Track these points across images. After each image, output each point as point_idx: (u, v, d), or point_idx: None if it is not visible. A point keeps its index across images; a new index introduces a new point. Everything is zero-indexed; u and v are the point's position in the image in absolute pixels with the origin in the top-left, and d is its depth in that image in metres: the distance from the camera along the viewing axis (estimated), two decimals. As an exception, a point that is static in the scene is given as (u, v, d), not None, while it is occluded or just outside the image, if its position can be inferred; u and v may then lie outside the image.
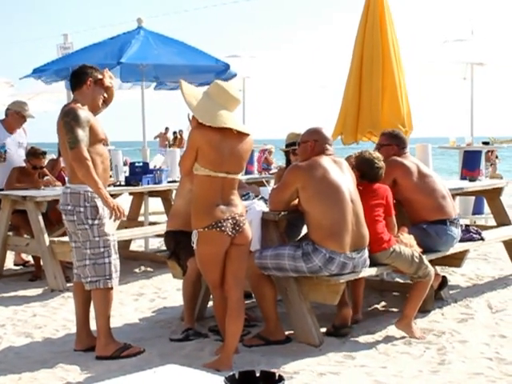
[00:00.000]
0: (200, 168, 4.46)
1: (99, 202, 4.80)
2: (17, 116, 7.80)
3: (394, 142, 5.99)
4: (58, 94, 13.65)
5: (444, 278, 6.15)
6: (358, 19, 7.71)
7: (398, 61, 7.59)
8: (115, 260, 4.93)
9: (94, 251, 4.83)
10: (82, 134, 4.72)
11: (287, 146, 6.19)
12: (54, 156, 8.84)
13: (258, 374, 2.00)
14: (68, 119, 4.74)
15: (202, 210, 4.48)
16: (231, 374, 1.96)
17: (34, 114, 8.12)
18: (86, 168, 4.67)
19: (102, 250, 4.84)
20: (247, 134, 4.56)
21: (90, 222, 4.80)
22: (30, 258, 8.19)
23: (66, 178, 7.11)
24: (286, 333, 5.12)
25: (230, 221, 4.47)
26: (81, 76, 4.96)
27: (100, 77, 5.00)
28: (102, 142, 4.93)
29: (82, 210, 4.80)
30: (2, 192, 7.33)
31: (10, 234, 7.58)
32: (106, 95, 5.09)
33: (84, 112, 4.81)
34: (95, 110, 5.03)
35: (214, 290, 4.74)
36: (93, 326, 5.09)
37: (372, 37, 7.51)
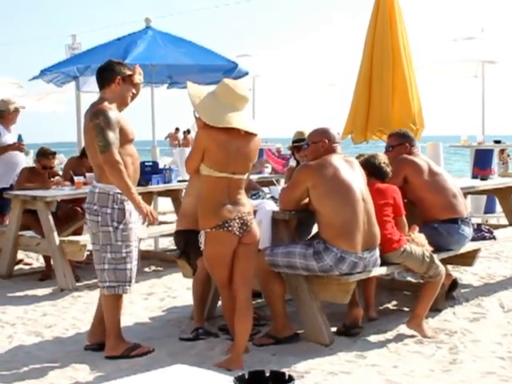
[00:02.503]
0: (206, 168, 4.44)
1: (128, 206, 4.70)
2: (14, 113, 7.94)
3: (405, 141, 5.97)
4: (67, 94, 13.69)
5: (455, 280, 6.11)
6: (368, 17, 7.67)
7: (408, 58, 7.55)
8: (135, 266, 4.87)
9: (115, 256, 4.74)
10: (113, 137, 4.61)
11: (292, 143, 6.19)
12: (64, 156, 8.86)
13: (267, 374, 1.98)
14: (98, 121, 4.61)
15: (208, 210, 4.46)
16: (241, 373, 1.94)
17: (43, 114, 8.25)
18: (119, 172, 4.58)
19: (123, 255, 4.75)
20: (255, 134, 4.53)
21: (115, 224, 4.70)
22: (22, 257, 8.19)
23: (88, 175, 7.14)
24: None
25: (237, 220, 4.44)
26: (109, 74, 4.82)
27: (129, 73, 4.88)
28: (131, 142, 4.84)
29: (109, 211, 4.69)
30: (12, 192, 7.35)
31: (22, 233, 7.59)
32: (134, 91, 4.97)
33: (114, 113, 4.69)
34: (123, 107, 4.92)
35: (222, 290, 4.72)
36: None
37: (382, 34, 7.47)
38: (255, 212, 5.10)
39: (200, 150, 4.44)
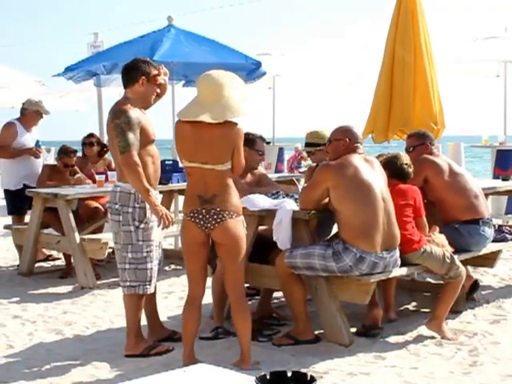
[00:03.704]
0: (182, 159, 4.54)
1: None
2: (35, 114, 7.97)
3: (426, 141, 5.94)
4: (88, 92, 13.77)
5: (476, 281, 6.07)
6: (390, 16, 7.63)
7: (429, 58, 7.50)
8: (156, 266, 4.88)
9: (135, 255, 4.75)
10: (133, 138, 4.61)
11: (306, 145, 6.18)
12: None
13: (289, 375, 1.98)
14: (119, 121, 4.61)
15: (186, 199, 4.54)
16: (263, 374, 1.94)
17: (64, 112, 8.28)
18: (136, 174, 4.59)
19: (144, 254, 4.76)
20: (227, 124, 4.41)
21: (136, 223, 4.71)
22: (52, 252, 8.25)
23: (110, 173, 7.18)
24: (316, 332, 5.10)
25: (205, 212, 4.39)
26: (133, 73, 4.80)
27: (155, 72, 4.85)
28: (152, 142, 4.84)
29: (130, 210, 4.70)
30: (33, 190, 7.39)
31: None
32: (158, 90, 4.96)
33: (135, 113, 4.68)
34: (147, 107, 4.92)
35: (188, 283, 4.65)
36: (117, 322, 5.12)
37: (404, 33, 7.43)
38: (264, 210, 5.10)
39: (176, 144, 4.57)
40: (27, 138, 7.92)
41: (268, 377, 1.94)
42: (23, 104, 8.06)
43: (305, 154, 18.56)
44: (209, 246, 4.56)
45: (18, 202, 7.77)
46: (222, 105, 4.36)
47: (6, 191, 7.97)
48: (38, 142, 8.02)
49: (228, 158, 4.44)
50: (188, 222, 4.46)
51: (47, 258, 8.25)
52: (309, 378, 1.96)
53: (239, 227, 4.48)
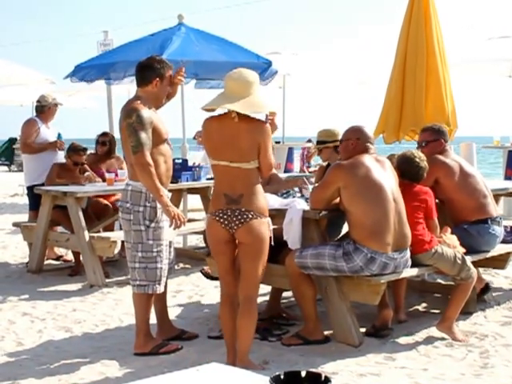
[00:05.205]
0: (209, 158, 4.52)
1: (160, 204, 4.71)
2: (53, 108, 8.01)
3: (440, 137, 5.87)
4: (97, 90, 13.78)
5: (487, 284, 6.03)
6: (403, 15, 7.58)
7: (442, 57, 7.44)
8: (166, 265, 4.87)
9: (145, 254, 4.75)
10: (145, 137, 4.60)
11: (316, 143, 6.18)
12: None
13: (303, 375, 1.96)
14: (131, 121, 4.61)
15: (212, 198, 4.52)
16: (277, 374, 1.92)
17: (74, 110, 8.34)
18: (149, 174, 4.58)
19: (154, 254, 4.76)
20: (253, 120, 4.37)
21: (147, 223, 4.71)
22: (62, 252, 8.25)
23: (120, 172, 7.19)
24: (326, 332, 5.08)
25: (229, 212, 4.35)
26: (147, 73, 4.78)
27: (170, 73, 4.85)
28: (165, 141, 4.83)
29: (141, 209, 4.70)
30: (42, 187, 7.39)
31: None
32: (170, 90, 4.94)
33: (147, 112, 4.66)
34: (158, 107, 4.91)
35: (220, 281, 4.66)
36: (126, 320, 5.11)
37: (416, 32, 7.37)
38: (275, 210, 5.08)
39: (204, 143, 4.53)
40: (48, 133, 7.97)
41: (282, 377, 1.92)
42: (40, 102, 8.06)
43: (310, 153, 18.57)
44: (235, 244, 4.50)
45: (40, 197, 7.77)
46: (248, 99, 4.32)
47: (30, 188, 7.95)
48: (59, 134, 8.07)
49: (254, 157, 4.36)
50: (213, 220, 4.43)
51: (58, 259, 8.25)
52: (323, 378, 1.94)
53: (263, 228, 4.40)
